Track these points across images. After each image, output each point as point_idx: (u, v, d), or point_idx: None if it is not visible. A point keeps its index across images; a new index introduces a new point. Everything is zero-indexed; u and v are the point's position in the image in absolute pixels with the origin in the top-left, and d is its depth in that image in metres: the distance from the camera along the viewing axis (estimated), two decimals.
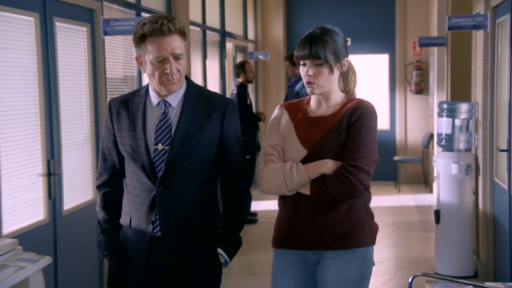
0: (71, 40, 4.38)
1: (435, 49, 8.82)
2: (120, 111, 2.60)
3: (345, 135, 2.55)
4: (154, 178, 2.53)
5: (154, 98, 2.58)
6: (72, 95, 4.41)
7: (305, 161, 2.58)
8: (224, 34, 8.64)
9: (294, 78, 7.80)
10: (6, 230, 3.56)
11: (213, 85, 8.19)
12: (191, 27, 6.87)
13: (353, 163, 2.51)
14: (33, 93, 3.92)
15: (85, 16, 4.54)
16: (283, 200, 2.67)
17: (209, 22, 7.95)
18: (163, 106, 2.57)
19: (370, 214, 2.70)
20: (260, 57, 9.98)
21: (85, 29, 4.52)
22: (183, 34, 2.52)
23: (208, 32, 7.88)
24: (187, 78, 2.64)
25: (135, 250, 2.58)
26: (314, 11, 10.84)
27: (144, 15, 5.62)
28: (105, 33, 4.67)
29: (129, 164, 2.59)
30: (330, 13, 10.73)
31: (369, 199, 2.70)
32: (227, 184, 2.64)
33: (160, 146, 2.52)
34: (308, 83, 2.59)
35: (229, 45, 9.03)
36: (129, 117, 2.57)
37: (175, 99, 2.57)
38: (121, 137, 2.59)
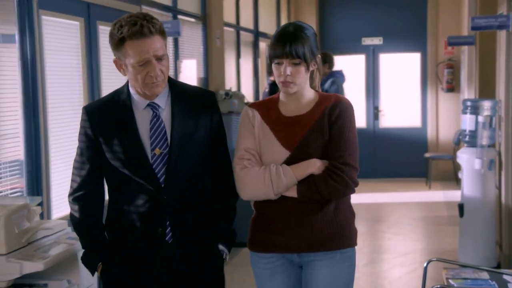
0: None
1: (466, 48, 8.96)
2: (102, 118, 2.44)
3: (328, 133, 2.47)
4: (157, 184, 2.41)
5: (139, 101, 2.44)
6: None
7: (288, 162, 2.47)
8: (257, 34, 8.92)
9: (323, 77, 8.08)
10: (56, 215, 3.92)
11: (247, 84, 8.48)
12: (225, 28, 7.18)
13: (343, 160, 2.44)
14: (78, 89, 4.27)
15: None
16: (263, 201, 2.52)
17: (243, 23, 8.25)
18: (152, 109, 2.44)
19: (353, 213, 2.62)
20: None
21: None
22: (163, 33, 2.39)
23: (242, 32, 8.18)
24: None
25: (143, 258, 2.46)
26: (347, 10, 11.05)
27: (181, 17, 5.94)
28: None
29: (124, 173, 2.43)
30: (362, 11, 10.94)
31: (350, 198, 2.62)
32: (218, 177, 2.55)
33: (157, 151, 2.41)
34: (284, 82, 2.46)
35: (262, 45, 9.32)
36: (116, 124, 2.42)
37: (162, 100, 2.45)
38: (110, 146, 2.42)
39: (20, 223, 2.70)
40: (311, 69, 2.50)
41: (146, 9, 5.22)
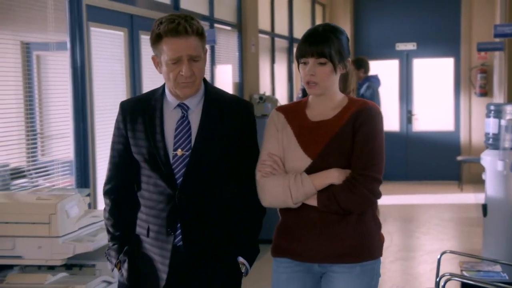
0: None
1: (497, 53, 9.13)
2: (134, 114, 2.46)
3: (352, 141, 2.37)
4: (174, 186, 2.39)
5: (171, 100, 2.45)
6: None
7: (310, 170, 2.39)
8: (292, 40, 9.25)
9: (358, 81, 8.37)
10: (101, 206, 4.32)
11: (281, 89, 8.82)
12: (260, 35, 7.53)
13: (364, 172, 2.34)
14: (122, 94, 4.67)
15: None
16: (287, 209, 2.47)
17: (277, 30, 8.59)
18: (182, 109, 2.43)
19: (378, 224, 2.53)
20: None
21: None
22: (201, 35, 2.36)
23: (276, 39, 8.53)
24: (205, 81, 2.50)
25: (155, 261, 2.44)
26: (381, 16, 11.30)
27: (217, 26, 6.31)
28: None
29: (145, 170, 2.45)
30: (396, 17, 11.17)
31: (376, 208, 2.55)
32: (244, 189, 2.49)
33: (179, 152, 2.39)
34: (308, 82, 2.39)
35: None
36: (145, 121, 2.43)
37: (194, 102, 2.43)
38: (136, 141, 2.44)
39: (72, 210, 3.07)
40: (339, 71, 2.42)
41: None
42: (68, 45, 4.09)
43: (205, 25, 6.12)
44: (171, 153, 2.40)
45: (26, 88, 3.90)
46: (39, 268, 3.05)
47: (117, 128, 2.51)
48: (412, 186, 10.54)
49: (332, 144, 2.38)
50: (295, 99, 8.92)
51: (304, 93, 8.39)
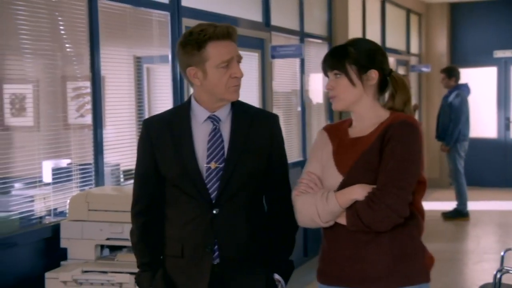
0: (246, 63, 5.68)
1: None
2: (160, 131, 2.38)
3: (380, 156, 2.25)
4: (209, 200, 2.32)
5: (201, 113, 2.38)
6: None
7: (341, 187, 2.29)
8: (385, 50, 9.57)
9: (449, 89, 8.60)
10: None
11: None
12: None
13: (384, 187, 2.20)
14: None
15: (257, 44, 5.84)
16: (323, 229, 2.37)
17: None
18: (213, 121, 2.37)
19: (419, 247, 2.32)
20: (423, 69, 10.79)
21: (256, 54, 5.83)
22: (235, 41, 2.37)
23: None
24: None
25: (193, 282, 2.35)
26: (478, 23, 11.36)
27: (307, 40, 6.81)
28: (273, 57, 5.94)
29: (175, 187, 2.36)
30: (494, 24, 11.21)
31: (418, 229, 2.32)
32: (277, 203, 2.45)
33: (213, 165, 2.32)
34: (330, 97, 2.37)
35: (391, 60, 9.95)
36: (173, 136, 2.36)
37: (224, 114, 2.39)
38: (164, 158, 2.37)
39: None
40: (359, 83, 2.31)
41: (275, 34, 6.14)
42: (170, 58, 4.69)
43: (295, 39, 6.64)
44: (203, 166, 2.34)
45: (138, 97, 4.49)
46: None
47: (142, 146, 2.42)
48: (510, 193, 10.50)
49: (361, 160, 2.28)
50: None
51: None
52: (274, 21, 6.11)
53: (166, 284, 2.40)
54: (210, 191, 2.33)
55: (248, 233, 2.37)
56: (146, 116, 4.45)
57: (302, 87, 6.75)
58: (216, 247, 2.34)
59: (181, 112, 2.42)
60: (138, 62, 4.54)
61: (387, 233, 2.25)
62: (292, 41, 6.56)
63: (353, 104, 2.36)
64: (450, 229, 8.11)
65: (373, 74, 2.34)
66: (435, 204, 9.04)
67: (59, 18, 3.84)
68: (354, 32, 8.08)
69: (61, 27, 3.88)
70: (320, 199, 2.27)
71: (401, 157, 2.22)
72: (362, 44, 2.37)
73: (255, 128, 2.40)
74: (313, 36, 6.94)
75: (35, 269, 3.47)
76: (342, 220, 2.27)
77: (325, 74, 2.38)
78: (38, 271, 3.42)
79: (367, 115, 2.36)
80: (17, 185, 3.64)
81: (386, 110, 2.37)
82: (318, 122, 7.21)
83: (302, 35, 6.73)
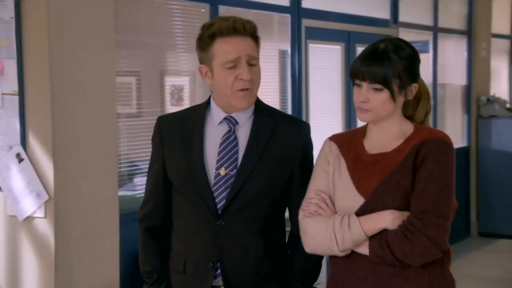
0: None
1: None
2: (173, 130, 2.17)
3: (412, 178, 1.95)
4: (214, 210, 2.07)
5: (217, 114, 2.14)
6: None
7: (361, 211, 1.98)
8: None
9: None
10: None
11: None
12: (493, 39, 7.80)
13: (423, 216, 1.91)
14: (336, 99, 5.58)
15: None
16: (335, 257, 2.04)
17: None
18: (229, 123, 2.12)
19: (449, 281, 2.06)
20: None
21: None
22: (256, 38, 2.10)
23: None
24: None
25: None
26: None
27: (442, 35, 6.85)
28: None
29: (180, 192, 2.14)
30: None
31: (448, 261, 2.07)
32: (294, 223, 2.14)
33: (223, 171, 2.07)
34: (360, 108, 2.02)
35: None
36: (183, 136, 2.14)
37: (244, 117, 2.13)
38: (172, 160, 2.15)
39: None
40: (400, 98, 2.01)
41: (403, 30, 6.28)
42: (289, 57, 5.10)
43: (428, 34, 6.72)
44: (212, 172, 2.09)
45: (282, 88, 4.99)
46: None
47: (153, 146, 2.22)
48: None
49: (388, 181, 1.96)
50: None
51: None
52: (404, 17, 6.25)
53: None
54: (216, 200, 2.08)
55: (260, 253, 2.10)
56: (289, 105, 5.02)
57: (435, 81, 6.83)
58: (218, 264, 2.08)
59: (197, 111, 2.20)
60: (283, 55, 5.00)
61: (416, 267, 1.97)
62: (425, 37, 6.64)
63: (384, 118, 2.04)
64: None
65: (414, 89, 2.04)
66: None
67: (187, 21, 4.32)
68: (498, 26, 7.92)
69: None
70: (341, 224, 1.96)
71: (441, 181, 1.93)
72: (403, 48, 2.01)
73: (279, 136, 2.12)
74: (449, 30, 6.95)
75: None
76: (364, 250, 1.97)
77: (356, 82, 2.02)
78: None
79: (392, 129, 2.05)
80: (143, 166, 4.07)
81: (409, 123, 2.08)
82: (453, 116, 7.23)
83: (436, 30, 6.77)
